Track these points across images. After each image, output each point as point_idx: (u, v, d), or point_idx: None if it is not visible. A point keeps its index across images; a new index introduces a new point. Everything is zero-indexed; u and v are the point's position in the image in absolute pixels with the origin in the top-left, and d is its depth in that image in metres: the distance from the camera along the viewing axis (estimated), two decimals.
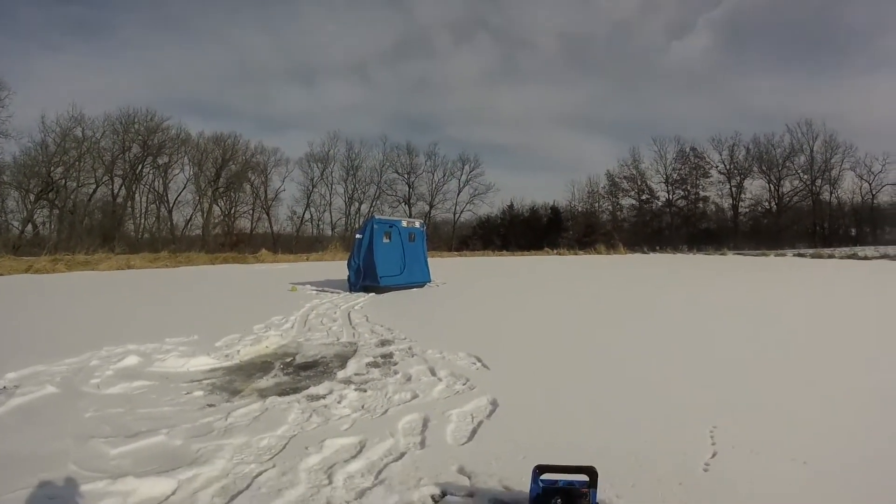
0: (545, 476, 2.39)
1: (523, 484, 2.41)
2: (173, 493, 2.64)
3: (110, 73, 67.97)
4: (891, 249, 26.75)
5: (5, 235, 34.93)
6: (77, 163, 40.64)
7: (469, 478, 2.81)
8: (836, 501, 2.53)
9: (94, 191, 42.53)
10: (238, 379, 4.78)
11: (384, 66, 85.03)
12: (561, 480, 2.38)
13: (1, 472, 2.85)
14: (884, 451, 3.07)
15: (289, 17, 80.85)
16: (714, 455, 3.06)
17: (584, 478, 2.35)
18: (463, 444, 3.29)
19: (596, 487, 2.32)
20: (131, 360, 5.20)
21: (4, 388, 4.39)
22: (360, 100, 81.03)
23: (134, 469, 2.88)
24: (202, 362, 5.28)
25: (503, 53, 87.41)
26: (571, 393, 4.29)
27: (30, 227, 38.82)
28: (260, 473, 2.82)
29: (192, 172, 46.15)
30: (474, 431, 3.49)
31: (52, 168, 39.54)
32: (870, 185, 46.03)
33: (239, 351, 5.74)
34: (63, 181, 40.34)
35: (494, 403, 4.03)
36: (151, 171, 44.91)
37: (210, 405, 4.01)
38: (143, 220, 45.01)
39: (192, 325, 6.99)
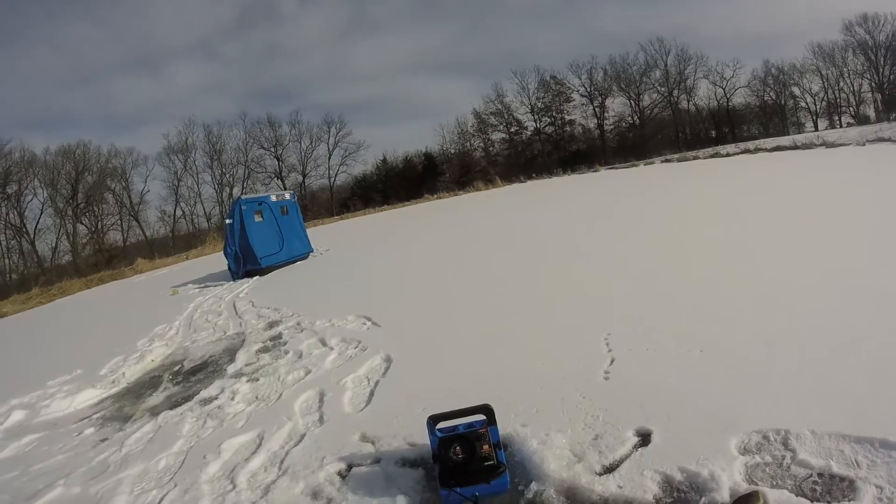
0: (444, 424, 2.34)
1: (426, 438, 2.36)
2: None
3: None
4: (750, 144, 29.01)
5: None
6: None
7: (373, 443, 2.75)
8: (735, 382, 2.65)
9: None
10: (128, 403, 4.47)
11: (231, 40, 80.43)
12: (460, 425, 2.35)
13: None
14: (775, 330, 3.23)
15: (116, 2, 72.52)
16: (612, 362, 3.16)
17: (482, 417, 2.32)
18: (362, 410, 3.22)
19: (495, 424, 2.30)
20: (17, 416, 4.69)
21: None
22: (211, 80, 75.69)
23: None
24: (89, 396, 4.86)
25: (352, 8, 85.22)
26: (464, 334, 4.30)
27: None
28: (162, 498, 2.66)
29: (46, 195, 41.48)
30: (372, 394, 3.44)
31: None
32: (724, 89, 49.46)
33: (125, 373, 5.33)
34: None
35: (388, 360, 3.99)
36: (3, 204, 39.93)
37: (103, 440, 3.72)
38: (6, 261, 40.13)
39: (73, 359, 6.39)
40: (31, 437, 4.13)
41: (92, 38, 69.24)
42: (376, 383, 3.60)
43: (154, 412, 4.02)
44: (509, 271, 6.50)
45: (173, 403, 4.12)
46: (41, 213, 41.07)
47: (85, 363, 5.94)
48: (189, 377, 4.80)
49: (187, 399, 4.13)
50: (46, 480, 3.19)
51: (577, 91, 50.17)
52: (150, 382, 4.93)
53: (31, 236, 40.61)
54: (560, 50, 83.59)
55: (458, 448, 2.23)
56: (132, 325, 7.88)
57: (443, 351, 3.99)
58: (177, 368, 5.20)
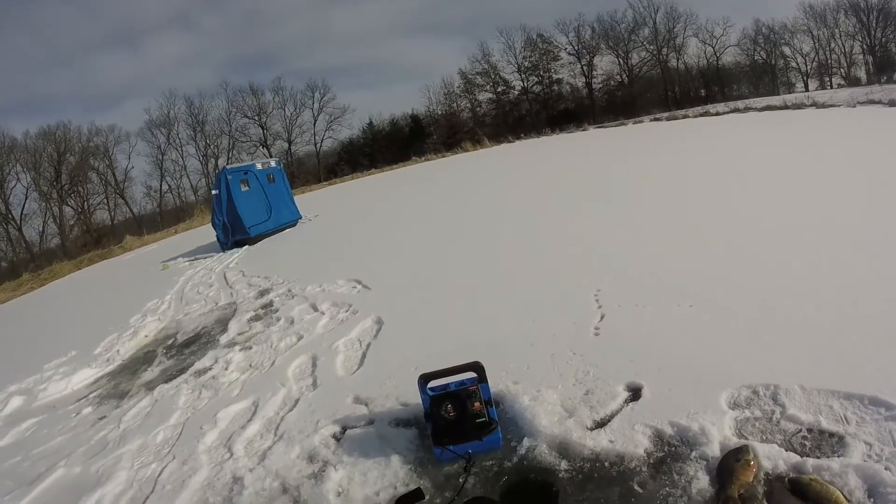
0: (436, 382, 2.35)
1: (418, 398, 2.38)
2: None
3: None
4: (740, 104, 28.70)
5: None
6: None
7: (366, 405, 2.77)
8: (725, 337, 2.66)
9: None
10: (123, 380, 4.50)
11: (209, 9, 78.28)
12: (451, 383, 2.36)
13: None
14: (766, 286, 3.21)
15: None
16: (602, 318, 3.18)
17: (472, 375, 2.33)
18: (355, 373, 3.25)
19: (486, 381, 2.31)
20: (15, 403, 4.68)
21: None
22: (190, 51, 73.92)
23: None
24: (85, 376, 4.88)
25: None
26: (456, 294, 4.32)
27: None
28: (162, 471, 2.69)
29: (30, 179, 40.84)
30: (364, 356, 3.46)
31: None
32: (713, 48, 48.49)
33: (119, 351, 5.35)
34: None
35: (380, 322, 4.01)
36: None
37: (101, 418, 3.75)
38: None
39: (67, 341, 6.38)
40: (31, 421, 4.14)
41: (65, 14, 67.14)
42: (368, 346, 3.62)
43: (150, 387, 4.05)
44: (500, 232, 6.50)
45: (168, 377, 4.14)
46: (26, 198, 40.34)
47: (79, 344, 5.94)
48: (183, 350, 4.82)
49: (182, 371, 4.15)
50: (47, 463, 3.21)
51: (565, 49, 49.30)
52: (144, 358, 4.95)
53: (18, 222, 39.97)
54: (546, 7, 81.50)
55: (449, 406, 2.25)
56: (124, 303, 7.85)
57: (434, 311, 4.02)
58: (170, 342, 5.22)
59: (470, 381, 2.34)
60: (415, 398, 2.49)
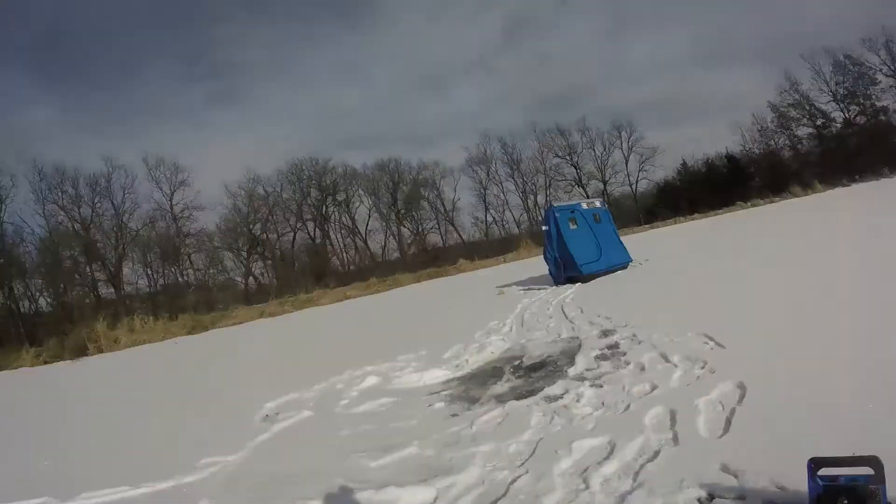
0: (823, 472, 2.17)
1: (797, 483, 2.22)
2: (434, 501, 2.86)
3: (269, 131, 77.82)
4: None
5: (234, 290, 42.80)
6: (270, 217, 47.73)
7: (735, 477, 2.65)
8: None
9: (294, 238, 49.15)
10: (473, 387, 4.99)
11: (500, 54, 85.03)
12: (841, 477, 2.15)
13: (280, 487, 3.37)
14: None
15: (390, 26, 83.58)
16: None
17: (868, 471, 2.09)
18: (720, 438, 3.10)
19: (884, 482, 2.05)
20: (371, 381, 5.73)
21: (267, 416, 5.18)
22: (494, 93, 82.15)
23: (395, 479, 3.15)
24: (436, 375, 5.62)
25: (608, 5, 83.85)
26: (833, 366, 3.70)
27: (251, 279, 46.34)
28: (515, 480, 2.91)
29: (370, 202, 50.36)
30: (728, 422, 3.26)
31: (251, 226, 46.61)
32: None
33: (467, 360, 6.02)
34: (264, 235, 47.43)
35: (742, 387, 3.69)
36: (335, 210, 50.19)
37: (453, 415, 4.25)
38: (343, 255, 50.17)
39: (417, 341, 7.39)
40: (386, 399, 4.95)
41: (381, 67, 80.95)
42: (732, 411, 3.39)
43: (500, 399, 4.40)
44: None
45: (518, 395, 4.44)
46: (369, 217, 50.31)
47: (428, 345, 6.84)
48: (530, 373, 5.12)
49: (531, 393, 4.41)
50: (401, 438, 3.77)
51: (880, 70, 39.75)
52: (492, 372, 5.40)
53: (364, 236, 49.81)
54: (841, 21, 68.25)
55: (845, 502, 2.06)
56: (467, 318, 8.75)
57: (808, 383, 3.53)
58: (517, 363, 5.59)
59: (863, 478, 2.11)
60: (792, 483, 2.33)
